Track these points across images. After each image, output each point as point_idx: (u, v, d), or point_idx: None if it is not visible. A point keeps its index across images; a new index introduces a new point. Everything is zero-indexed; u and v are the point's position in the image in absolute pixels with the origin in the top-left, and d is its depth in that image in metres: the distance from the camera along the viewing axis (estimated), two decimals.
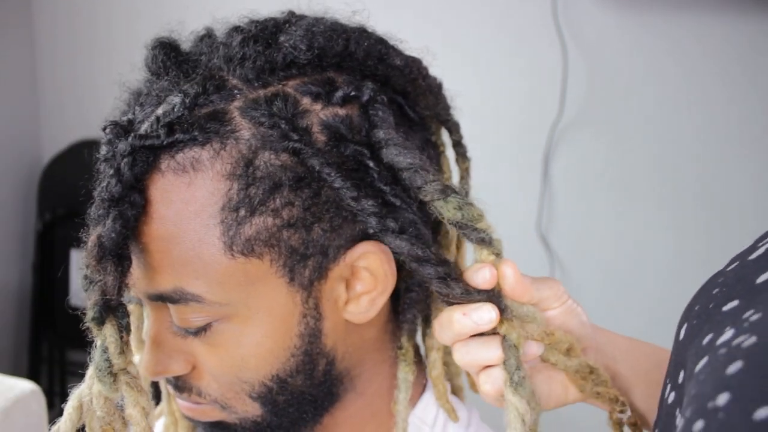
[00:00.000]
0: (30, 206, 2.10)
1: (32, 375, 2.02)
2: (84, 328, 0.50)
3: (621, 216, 1.62)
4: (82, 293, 0.50)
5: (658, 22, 1.53)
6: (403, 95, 0.57)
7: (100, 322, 0.49)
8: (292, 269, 0.51)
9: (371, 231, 0.51)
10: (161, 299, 0.52)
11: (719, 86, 1.51)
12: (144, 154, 0.49)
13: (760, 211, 1.52)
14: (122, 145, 0.49)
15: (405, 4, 1.67)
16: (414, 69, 0.57)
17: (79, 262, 0.49)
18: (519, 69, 1.64)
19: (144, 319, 0.60)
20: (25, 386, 1.18)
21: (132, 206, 0.49)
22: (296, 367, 0.54)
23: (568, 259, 1.66)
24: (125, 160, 0.49)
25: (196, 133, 0.49)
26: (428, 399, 0.63)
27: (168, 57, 0.53)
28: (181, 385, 0.56)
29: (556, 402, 0.56)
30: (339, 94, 0.51)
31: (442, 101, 0.60)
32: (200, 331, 0.53)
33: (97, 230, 0.49)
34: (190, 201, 0.49)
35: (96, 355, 0.50)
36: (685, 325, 0.44)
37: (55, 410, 1.91)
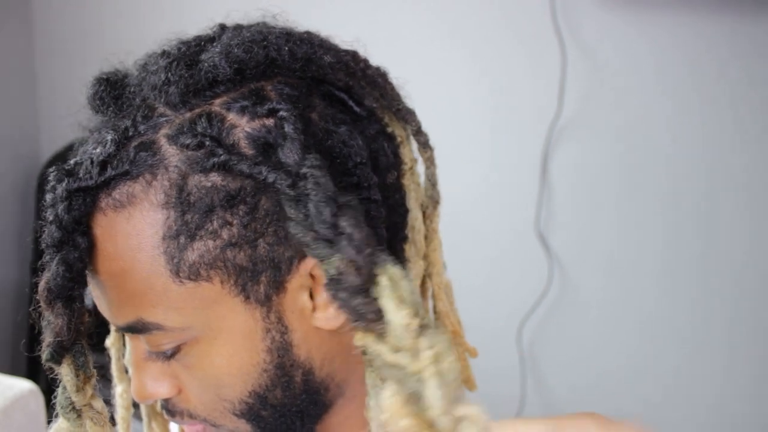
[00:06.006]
0: (28, 206, 2.10)
1: (31, 375, 2.01)
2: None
3: (620, 215, 1.62)
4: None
5: (656, 22, 1.53)
6: (347, 90, 0.56)
7: (57, 362, 0.51)
8: (244, 287, 0.51)
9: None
10: (129, 330, 0.53)
11: (719, 85, 1.51)
12: (80, 196, 0.50)
13: (759, 211, 1.52)
14: (59, 190, 0.50)
15: (405, 4, 1.67)
16: (350, 63, 0.56)
17: None
18: (517, 68, 1.64)
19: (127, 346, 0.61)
20: (23, 386, 1.18)
21: (75, 248, 0.50)
22: (271, 382, 0.54)
23: (567, 258, 1.66)
24: (62, 204, 0.50)
25: (127, 168, 0.50)
26: None
27: (106, 93, 0.54)
28: (171, 408, 0.57)
29: None
30: (266, 106, 0.51)
31: (388, 91, 0.59)
32: (173, 353, 0.53)
33: (45, 275, 0.50)
34: (132, 235, 0.50)
35: (59, 393, 0.52)
36: None
37: (53, 410, 1.89)
